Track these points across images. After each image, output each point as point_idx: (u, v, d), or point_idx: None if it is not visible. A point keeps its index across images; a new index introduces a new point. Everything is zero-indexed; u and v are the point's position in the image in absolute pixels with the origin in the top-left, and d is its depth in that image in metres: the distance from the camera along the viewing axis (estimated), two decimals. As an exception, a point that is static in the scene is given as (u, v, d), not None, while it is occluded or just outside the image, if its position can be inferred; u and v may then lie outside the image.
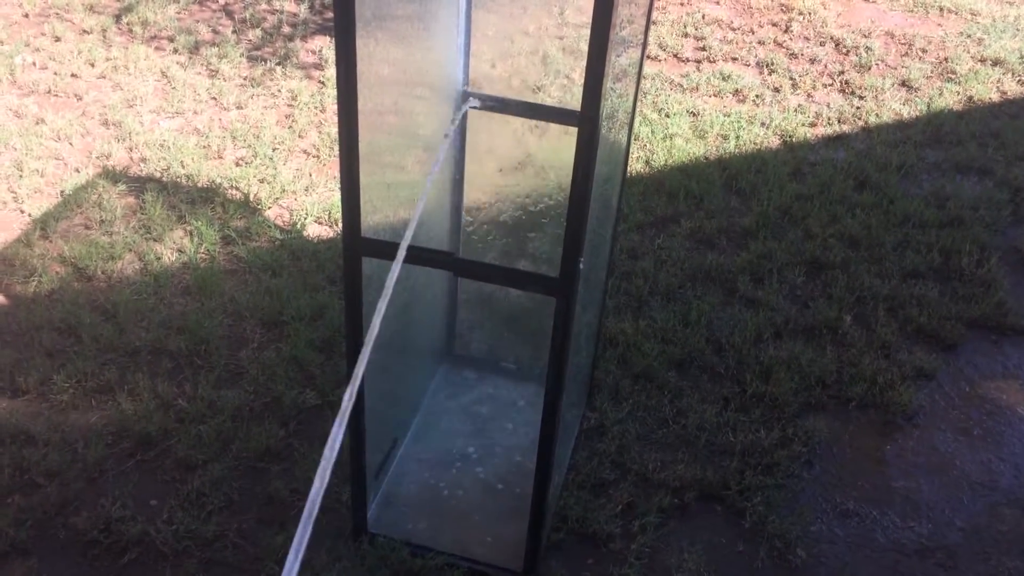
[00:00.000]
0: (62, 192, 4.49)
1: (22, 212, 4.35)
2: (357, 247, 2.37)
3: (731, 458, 3.35)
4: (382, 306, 1.81)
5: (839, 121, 5.64)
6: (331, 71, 5.72)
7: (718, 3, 7.08)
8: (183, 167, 4.72)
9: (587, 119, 2.05)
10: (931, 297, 4.18)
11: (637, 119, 5.41)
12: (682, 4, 7.01)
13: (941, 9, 7.17)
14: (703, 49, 6.34)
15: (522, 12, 3.54)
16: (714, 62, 6.21)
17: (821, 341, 3.92)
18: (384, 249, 2.38)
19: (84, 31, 5.98)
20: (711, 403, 3.58)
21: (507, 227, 3.33)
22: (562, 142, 3.24)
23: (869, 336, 3.96)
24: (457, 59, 3.00)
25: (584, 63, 1.98)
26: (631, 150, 5.11)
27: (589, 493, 3.19)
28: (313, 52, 5.96)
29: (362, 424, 2.71)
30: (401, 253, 1.94)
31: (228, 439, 3.28)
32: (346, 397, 1.75)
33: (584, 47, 1.96)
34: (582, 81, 2.01)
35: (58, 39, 5.86)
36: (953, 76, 6.17)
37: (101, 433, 3.28)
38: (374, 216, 2.49)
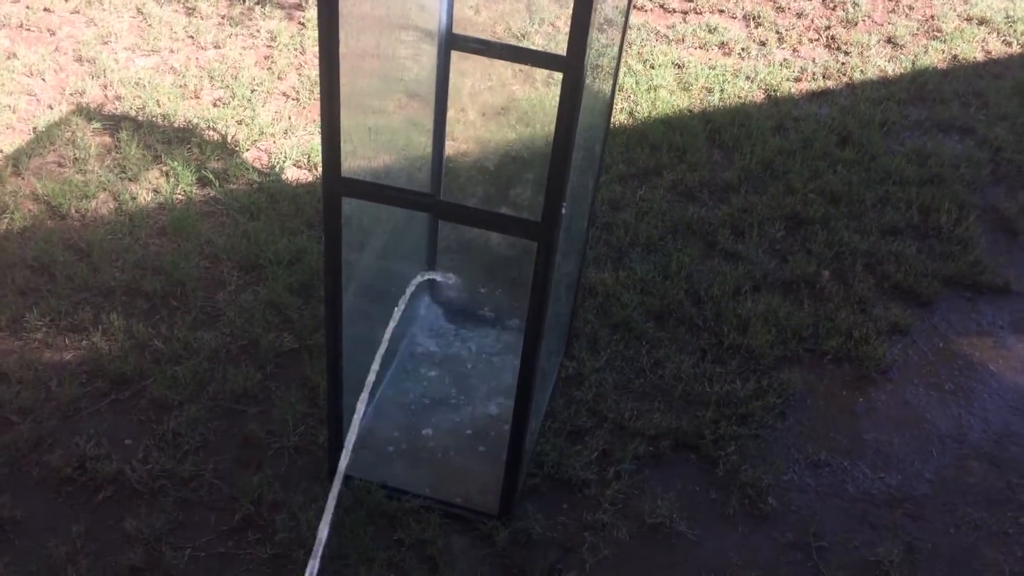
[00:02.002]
0: (34, 128, 4.40)
1: (-7, 148, 4.26)
2: (337, 187, 2.34)
3: (706, 408, 3.38)
4: (392, 323, 1.81)
5: (824, 76, 5.61)
6: (312, 12, 5.61)
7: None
8: (159, 106, 4.63)
9: (572, 65, 2.01)
10: (908, 254, 4.20)
11: (622, 69, 5.35)
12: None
13: (929, -34, 7.11)
14: (690, 0, 6.27)
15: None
16: (700, 14, 6.15)
17: (799, 295, 3.94)
18: (364, 189, 2.35)
19: (57, -36, 5.80)
20: (688, 354, 3.60)
21: (489, 173, 3.30)
22: (549, 90, 3.21)
23: (846, 291, 3.98)
24: (441, 1, 2.94)
25: (570, 10, 1.94)
26: (615, 100, 5.07)
27: (565, 440, 3.21)
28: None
29: (339, 368, 2.70)
30: (410, 289, 1.91)
31: (204, 381, 3.27)
32: (361, 406, 1.69)
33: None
34: (567, 28, 1.97)
35: (30, -28, 5.69)
36: (939, 34, 6.14)
37: (75, 372, 3.25)
38: (354, 159, 2.45)
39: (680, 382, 3.47)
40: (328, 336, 2.63)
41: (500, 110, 3.20)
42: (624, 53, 5.51)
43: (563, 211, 2.22)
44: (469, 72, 3.05)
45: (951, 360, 3.77)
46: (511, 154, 3.48)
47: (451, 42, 3.02)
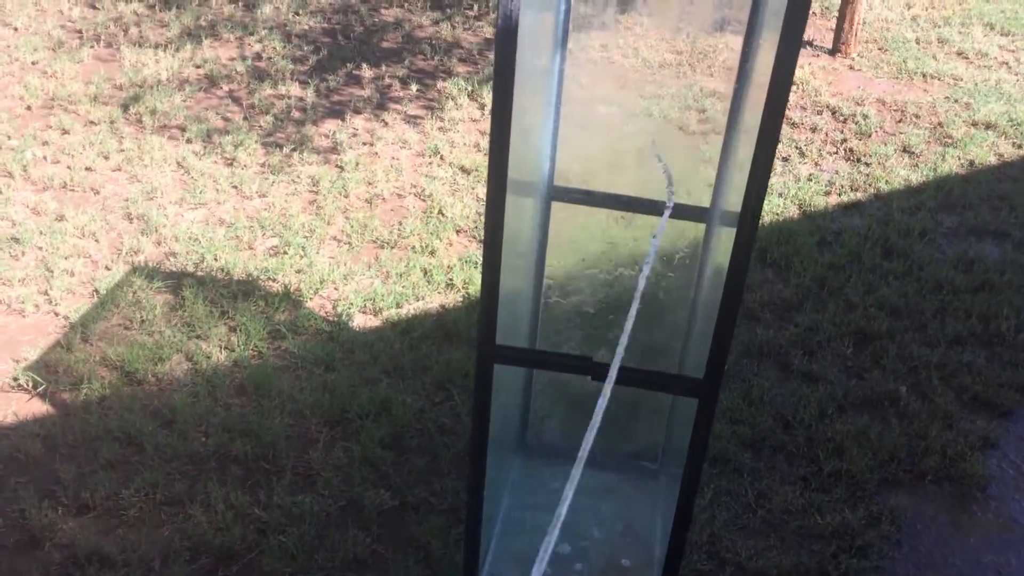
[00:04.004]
0: (95, 291, 4.37)
1: (56, 315, 4.21)
2: (491, 354, 2.32)
3: (823, 542, 3.32)
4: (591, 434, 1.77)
5: (851, 189, 5.76)
6: (347, 155, 5.71)
7: (712, 75, 7.25)
8: (216, 260, 4.63)
9: (748, 215, 2.05)
10: (979, 364, 4.24)
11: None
12: (678, 78, 7.16)
13: (924, 75, 7.43)
14: (707, 121, 6.47)
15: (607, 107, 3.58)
16: (720, 134, 6.32)
17: (884, 413, 3.94)
18: (519, 356, 2.34)
19: (91, 122, 5.88)
20: (791, 484, 3.56)
21: (588, 316, 3.31)
22: (646, 231, 3.26)
23: (929, 406, 3.99)
24: (545, 154, 3.01)
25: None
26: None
27: (690, 586, 3.13)
28: (326, 136, 5.94)
29: (479, 527, 2.63)
30: (611, 380, 1.89)
31: (312, 549, 3.16)
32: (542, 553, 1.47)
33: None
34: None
35: (66, 132, 5.76)
36: (950, 140, 6.37)
37: (178, 549, 3.14)
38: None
39: (790, 515, 3.42)
40: (470, 505, 2.57)
41: (600, 255, 3.24)
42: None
43: (724, 367, 2.22)
44: (569, 220, 3.09)
45: (1046, 471, 3.76)
46: (610, 299, 3.52)
47: (552, 193, 3.07)
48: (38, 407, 3.69)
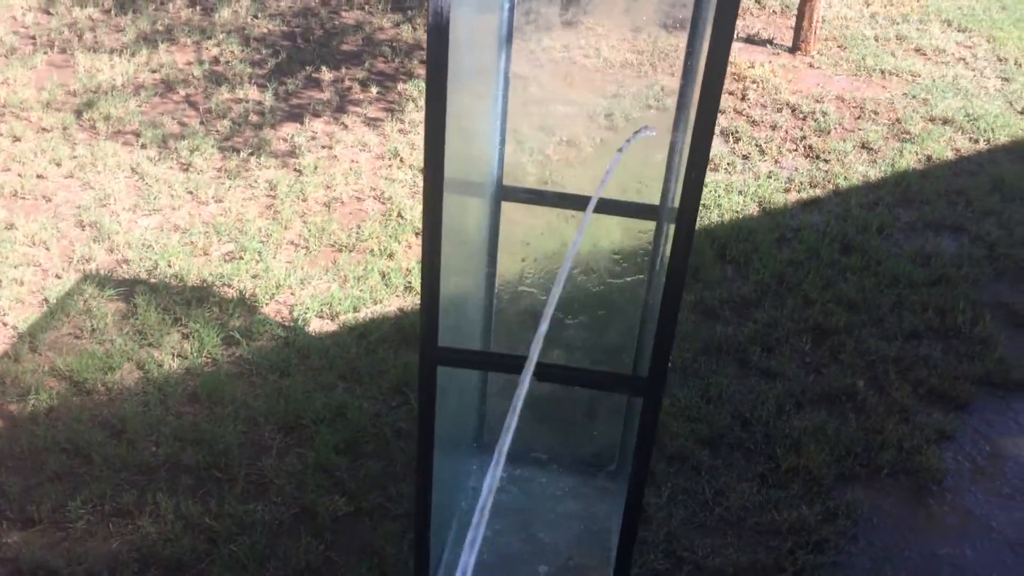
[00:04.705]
0: (45, 300, 4.29)
1: (5, 324, 4.13)
2: (434, 356, 2.29)
3: (780, 538, 3.32)
4: (512, 420, 1.72)
5: (811, 185, 5.79)
6: (306, 158, 5.65)
7: (672, 75, 7.26)
8: (170, 266, 4.56)
9: (686, 212, 2.03)
10: (936, 357, 4.26)
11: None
12: (639, 76, 7.17)
13: (883, 72, 7.48)
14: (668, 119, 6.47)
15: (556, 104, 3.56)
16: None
17: (842, 408, 3.95)
18: (461, 357, 2.31)
19: (43, 129, 5.79)
20: (748, 481, 3.56)
21: (536, 318, 3.28)
22: (598, 231, 3.24)
23: (886, 400, 4.00)
24: (493, 153, 2.98)
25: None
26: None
27: (646, 586, 3.11)
28: (285, 140, 5.88)
29: (428, 536, 2.60)
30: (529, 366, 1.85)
31: (263, 558, 3.12)
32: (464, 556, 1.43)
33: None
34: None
35: (17, 139, 5.66)
36: (908, 136, 6.42)
37: (126, 561, 3.08)
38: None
39: (747, 512, 3.42)
40: (418, 505, 2.54)
41: (552, 255, 3.22)
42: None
43: (669, 364, 2.20)
44: (519, 221, 3.07)
45: (1001, 463, 3.78)
46: (563, 299, 3.49)
47: (502, 193, 3.05)
48: (-16, 419, 3.61)
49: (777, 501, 3.46)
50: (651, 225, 3.17)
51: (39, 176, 5.30)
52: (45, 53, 6.82)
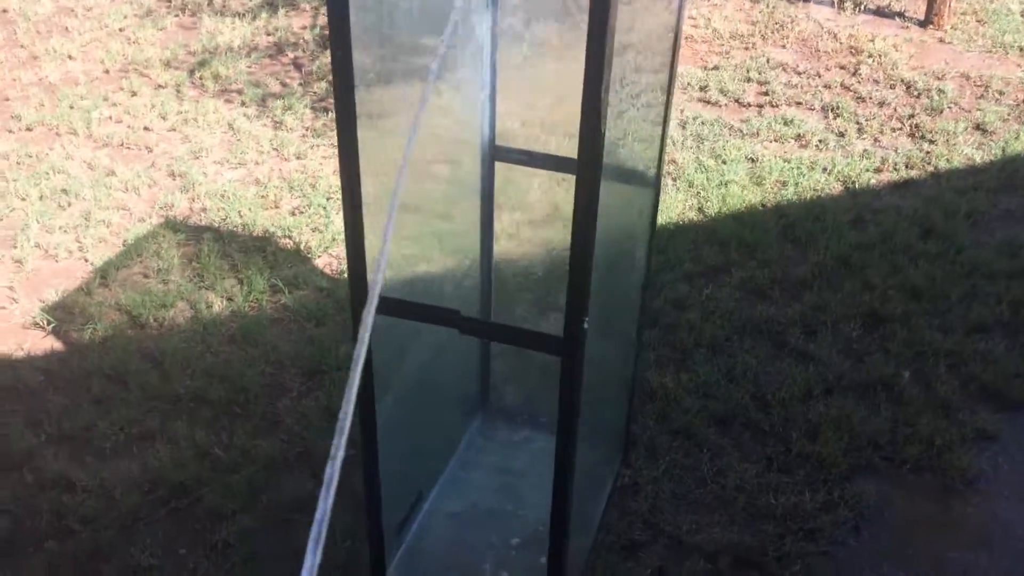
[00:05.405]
0: (125, 242, 4.66)
1: (86, 261, 4.52)
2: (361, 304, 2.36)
3: (771, 522, 3.21)
4: (359, 354, 1.77)
5: (907, 166, 5.44)
6: (392, 120, 5.81)
7: (784, 47, 6.96)
8: (240, 216, 4.85)
9: (586, 167, 2.00)
10: (997, 353, 3.95)
11: (692, 166, 5.33)
12: (746, 48, 6.92)
13: (1021, 49, 6.89)
14: (766, 94, 6.23)
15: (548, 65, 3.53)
16: (777, 107, 6.09)
17: (875, 399, 3.74)
18: (388, 305, 2.38)
19: (159, 86, 6.24)
20: (753, 462, 3.44)
21: (536, 280, 3.30)
22: (558, 193, 3.22)
23: (928, 394, 3.76)
24: (484, 114, 3.01)
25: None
26: (685, 198, 5.03)
27: (618, 555, 3.09)
28: (376, 102, 6.06)
29: (377, 483, 2.69)
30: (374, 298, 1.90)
31: (259, 488, 3.31)
32: (328, 470, 1.61)
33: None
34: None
35: (134, 94, 6.13)
36: (1033, 118, 5.90)
37: (138, 480, 3.35)
38: (388, 270, 2.49)
39: (743, 493, 3.31)
40: (365, 452, 2.63)
41: (545, 217, 3.22)
42: (697, 150, 5.48)
43: (585, 326, 2.18)
44: (514, 181, 3.07)
45: (1046, 469, 3.48)
46: (557, 260, 3.48)
47: (494, 154, 3.07)
48: (48, 344, 3.99)
49: (777, 485, 3.34)
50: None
51: (145, 128, 5.72)
52: (176, 16, 7.32)
